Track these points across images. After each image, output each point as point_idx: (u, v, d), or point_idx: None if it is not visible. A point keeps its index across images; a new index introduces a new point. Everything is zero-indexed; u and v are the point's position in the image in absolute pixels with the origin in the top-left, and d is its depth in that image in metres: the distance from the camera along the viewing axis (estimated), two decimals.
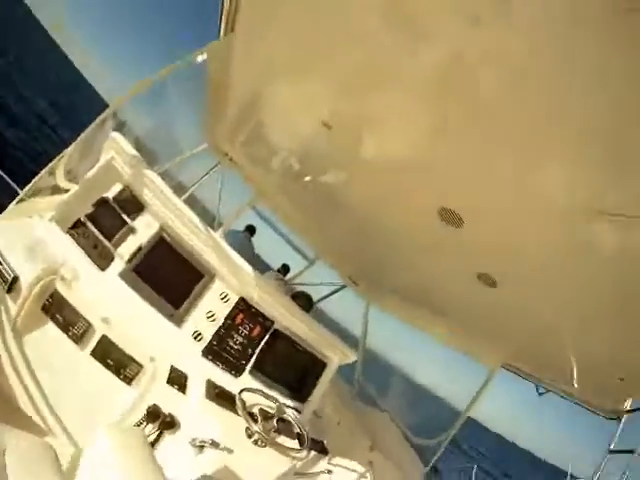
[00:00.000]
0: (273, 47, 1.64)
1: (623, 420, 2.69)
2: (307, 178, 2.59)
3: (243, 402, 1.73)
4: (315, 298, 4.42)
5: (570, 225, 1.34)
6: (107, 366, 1.56)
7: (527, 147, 1.21)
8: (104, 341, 1.58)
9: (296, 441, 1.97)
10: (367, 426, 3.28)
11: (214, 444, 1.57)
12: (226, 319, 2.04)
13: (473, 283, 2.06)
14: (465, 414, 3.20)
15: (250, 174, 3.47)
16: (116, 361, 1.58)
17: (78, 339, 1.54)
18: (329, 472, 2.14)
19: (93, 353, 1.56)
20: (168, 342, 1.84)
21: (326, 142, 2.05)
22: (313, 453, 2.04)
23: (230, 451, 1.60)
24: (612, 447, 2.71)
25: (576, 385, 2.61)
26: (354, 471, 2.70)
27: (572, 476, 4.26)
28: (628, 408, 2.64)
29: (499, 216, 1.59)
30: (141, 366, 1.66)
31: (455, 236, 1.84)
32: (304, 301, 3.25)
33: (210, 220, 3.47)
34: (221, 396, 1.84)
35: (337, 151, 2.15)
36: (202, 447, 1.56)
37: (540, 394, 3.14)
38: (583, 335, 2.00)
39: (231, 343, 2.03)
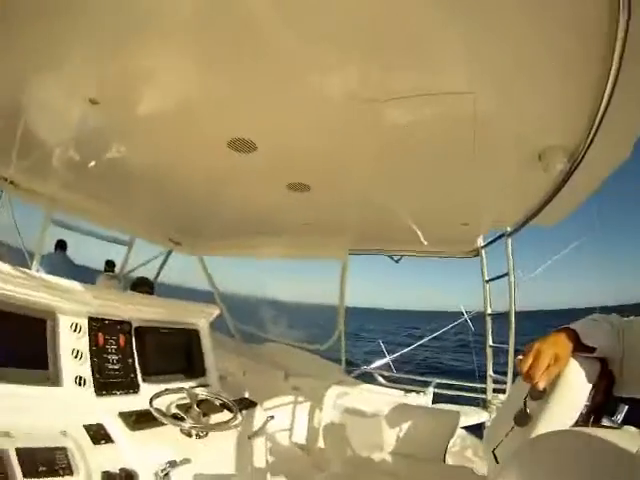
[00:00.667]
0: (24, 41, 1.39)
1: (483, 254, 3.06)
2: (92, 164, 2.27)
3: (159, 410, 1.67)
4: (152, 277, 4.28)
5: (351, 113, 1.52)
6: (41, 475, 1.27)
7: (296, 57, 1.28)
8: (22, 453, 1.27)
9: (225, 411, 1.99)
10: (270, 360, 3.44)
11: (172, 464, 1.52)
12: (91, 347, 1.82)
13: (287, 194, 2.20)
14: (342, 308, 3.38)
15: (35, 190, 2.82)
16: (45, 463, 1.32)
17: None
18: (271, 417, 2.21)
19: (24, 469, 1.23)
20: (63, 407, 1.58)
21: (99, 118, 1.84)
22: (245, 412, 2.07)
23: (188, 460, 1.57)
24: (486, 277, 3.08)
25: (425, 242, 2.93)
26: (287, 403, 2.91)
27: (467, 312, 4.91)
28: (482, 244, 3.05)
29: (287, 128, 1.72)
30: (64, 448, 1.41)
31: (253, 160, 1.93)
32: (145, 286, 3.16)
33: (21, 258, 2.80)
34: (140, 420, 1.72)
35: (112, 123, 1.94)
36: (167, 474, 1.50)
37: (397, 261, 3.45)
38: (416, 200, 2.27)
39: (110, 366, 1.83)
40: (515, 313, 2.75)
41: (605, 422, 2.03)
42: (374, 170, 1.99)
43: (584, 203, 2.10)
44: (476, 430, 2.86)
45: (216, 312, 2.44)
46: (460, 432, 2.67)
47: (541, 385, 0.79)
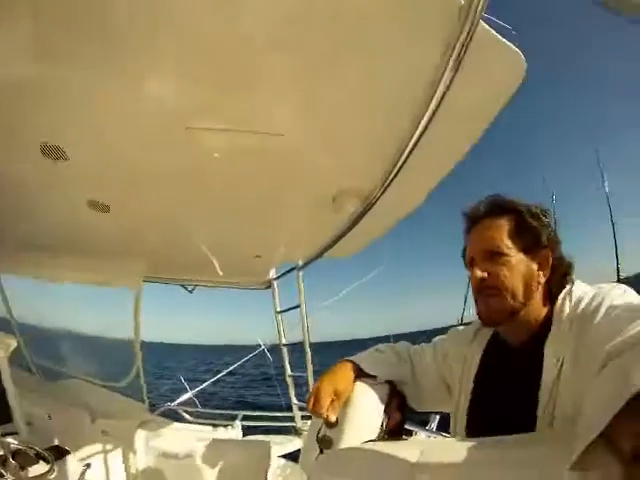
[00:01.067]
0: None
1: (275, 285, 3.14)
2: None
3: None
4: None
5: (162, 132, 1.39)
6: None
7: (113, 64, 1.10)
8: None
9: (41, 462, 1.83)
10: (74, 399, 3.05)
11: None
12: None
13: (87, 212, 1.93)
14: (137, 342, 3.15)
15: None
16: None
17: None
18: (87, 466, 2.14)
19: None
20: None
21: None
22: (60, 462, 1.98)
23: None
24: (278, 309, 3.15)
25: (221, 273, 2.88)
26: (99, 450, 2.55)
27: (262, 345, 5.04)
28: (274, 276, 3.11)
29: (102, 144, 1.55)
30: None
31: (62, 170, 1.68)
32: None
33: None
34: None
35: None
36: None
37: (190, 291, 3.35)
38: (212, 229, 2.20)
39: None
40: (310, 342, 2.84)
41: (419, 432, 2.29)
42: (175, 195, 1.82)
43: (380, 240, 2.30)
44: (296, 457, 2.79)
45: (14, 344, 2.22)
46: (280, 462, 2.72)
47: (331, 419, 0.85)
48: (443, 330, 1.11)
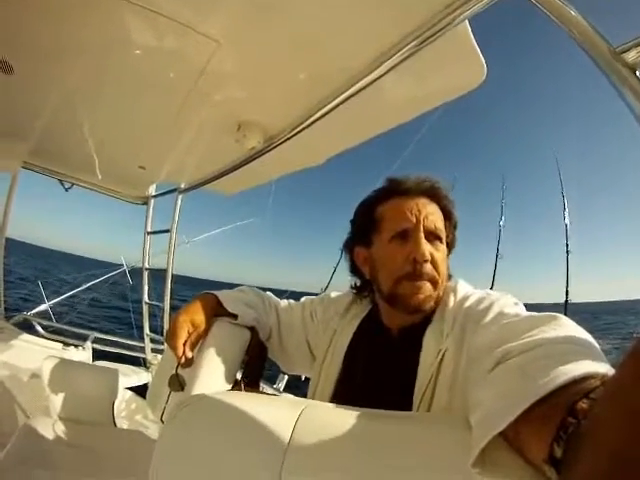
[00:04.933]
0: None
1: (151, 204, 2.95)
2: None
3: None
4: None
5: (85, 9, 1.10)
6: None
7: None
8: None
9: None
10: None
11: None
12: None
13: None
14: (3, 234, 2.78)
15: None
16: None
17: None
18: None
19: None
20: None
21: None
22: None
23: None
24: (149, 229, 2.98)
25: (100, 176, 2.63)
26: None
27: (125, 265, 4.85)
28: (153, 193, 2.93)
29: None
30: None
31: None
32: None
33: None
34: None
35: None
36: None
37: (67, 189, 3.04)
38: (103, 123, 1.94)
39: None
40: (173, 272, 2.71)
41: (266, 388, 2.14)
42: (77, 73, 1.51)
43: (266, 186, 2.29)
44: (143, 391, 2.75)
45: None
46: (125, 393, 2.63)
47: (188, 354, 0.78)
48: (302, 295, 1.07)
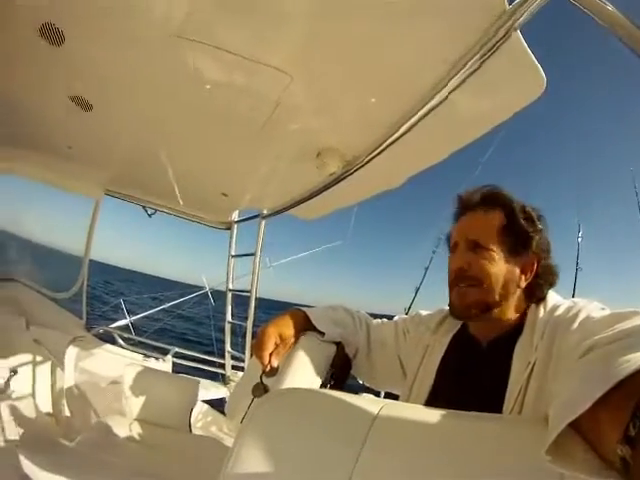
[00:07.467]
0: None
1: (235, 229, 3.11)
2: None
3: None
4: None
5: (159, 45, 1.26)
6: None
7: None
8: None
9: None
10: (11, 302, 2.97)
11: None
12: None
13: (68, 107, 1.74)
14: (87, 254, 3.11)
15: None
16: None
17: None
18: (14, 372, 2.20)
19: None
20: None
21: None
22: None
23: None
24: (233, 253, 3.14)
25: (181, 202, 2.80)
26: (29, 359, 2.54)
27: (207, 287, 5.05)
28: (236, 219, 3.08)
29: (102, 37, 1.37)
30: None
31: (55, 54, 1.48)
32: None
33: None
34: None
35: None
36: None
37: (150, 215, 3.20)
38: (182, 153, 2.08)
39: None
40: (257, 293, 2.86)
41: None
42: (154, 108, 1.69)
43: (346, 210, 2.29)
44: (217, 405, 2.87)
45: None
46: (202, 406, 2.72)
47: (273, 364, 0.82)
48: (387, 316, 1.07)
